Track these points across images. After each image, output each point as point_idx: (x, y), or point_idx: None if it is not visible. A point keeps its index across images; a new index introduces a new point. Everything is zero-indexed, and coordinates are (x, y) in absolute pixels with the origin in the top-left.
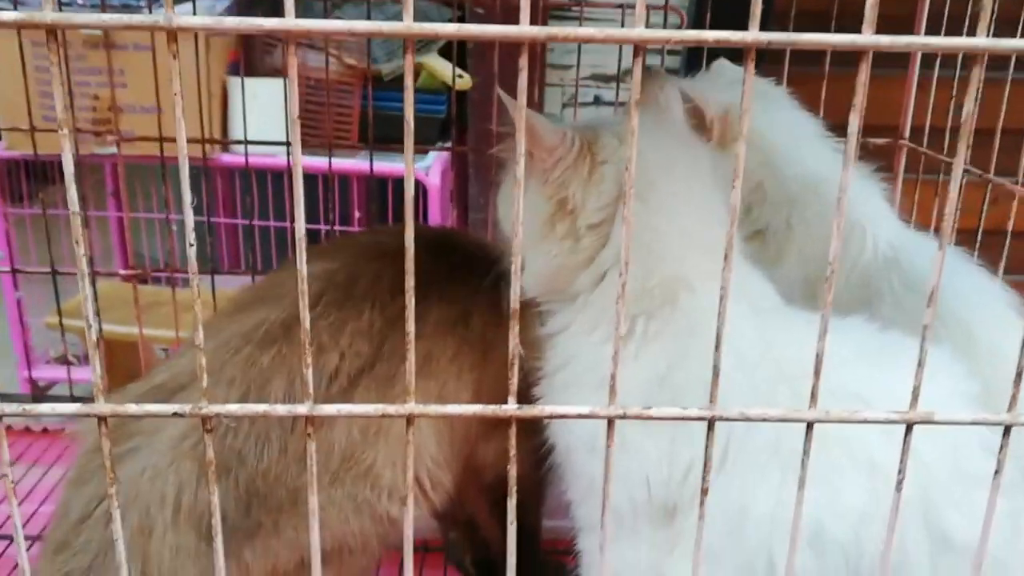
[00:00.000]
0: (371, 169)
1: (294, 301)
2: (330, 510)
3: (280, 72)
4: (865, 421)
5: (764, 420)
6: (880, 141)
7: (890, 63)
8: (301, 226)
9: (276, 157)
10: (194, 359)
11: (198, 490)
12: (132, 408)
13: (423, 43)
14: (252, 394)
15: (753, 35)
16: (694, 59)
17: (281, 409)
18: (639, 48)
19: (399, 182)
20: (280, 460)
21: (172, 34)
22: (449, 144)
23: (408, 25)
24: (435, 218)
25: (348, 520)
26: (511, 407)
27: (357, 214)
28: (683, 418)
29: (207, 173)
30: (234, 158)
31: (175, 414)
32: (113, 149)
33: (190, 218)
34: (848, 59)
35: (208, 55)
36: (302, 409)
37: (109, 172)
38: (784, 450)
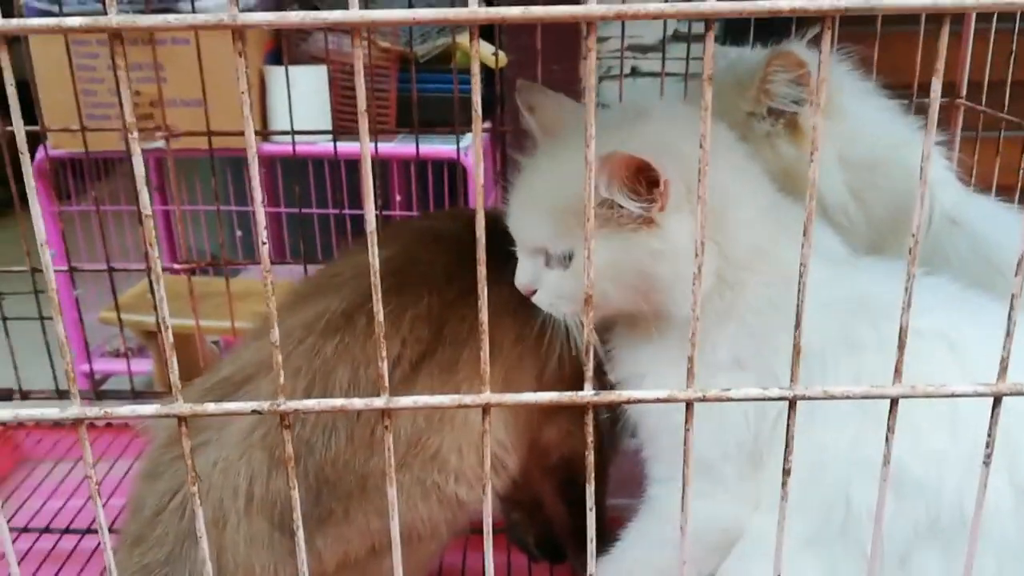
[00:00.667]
0: (417, 152)
1: (353, 290)
2: (399, 496)
3: (315, 59)
4: (953, 395)
5: (847, 398)
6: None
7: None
8: (371, 219)
9: (316, 145)
10: (259, 351)
11: (269, 480)
12: (211, 408)
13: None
14: (317, 384)
15: (830, 3)
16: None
17: (358, 403)
18: (711, 22)
19: (438, 165)
20: (348, 448)
21: (238, 31)
22: (490, 124)
23: (473, 11)
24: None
25: (417, 506)
26: (588, 393)
27: (398, 198)
28: (764, 398)
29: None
30: (275, 147)
31: (254, 411)
32: (158, 143)
33: (261, 212)
34: (899, 18)
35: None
36: (379, 402)
37: (154, 167)
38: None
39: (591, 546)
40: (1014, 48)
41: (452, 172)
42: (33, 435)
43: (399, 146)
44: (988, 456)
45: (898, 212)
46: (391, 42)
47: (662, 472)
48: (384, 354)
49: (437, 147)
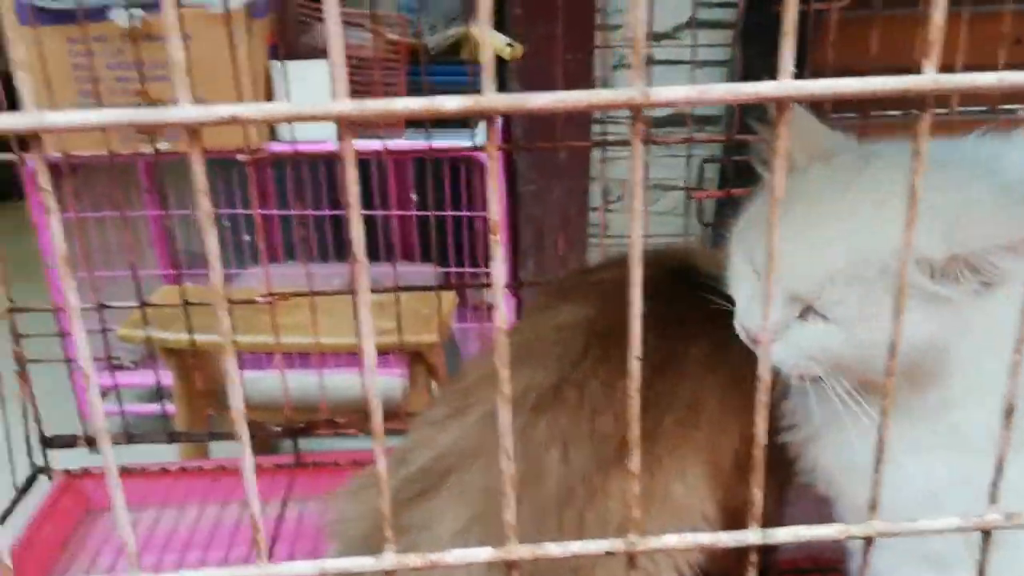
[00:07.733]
0: (430, 145)
1: (558, 358)
2: None
3: (320, 52)
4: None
5: None
6: None
7: None
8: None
9: (327, 143)
10: (461, 435)
11: None
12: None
13: (471, 12)
14: (527, 467)
15: None
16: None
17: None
18: None
19: (452, 160)
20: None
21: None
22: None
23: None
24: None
25: None
26: (755, 535)
27: (414, 197)
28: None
29: (256, 164)
30: (283, 147)
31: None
32: (166, 145)
33: (357, 216)
34: None
35: (250, 40)
36: (523, 551)
37: (143, 170)
38: None
39: None
40: None
41: (466, 167)
42: (98, 481)
43: (409, 142)
44: None
45: None
46: (399, 34)
47: (887, 561)
48: (512, 503)
49: (451, 142)
